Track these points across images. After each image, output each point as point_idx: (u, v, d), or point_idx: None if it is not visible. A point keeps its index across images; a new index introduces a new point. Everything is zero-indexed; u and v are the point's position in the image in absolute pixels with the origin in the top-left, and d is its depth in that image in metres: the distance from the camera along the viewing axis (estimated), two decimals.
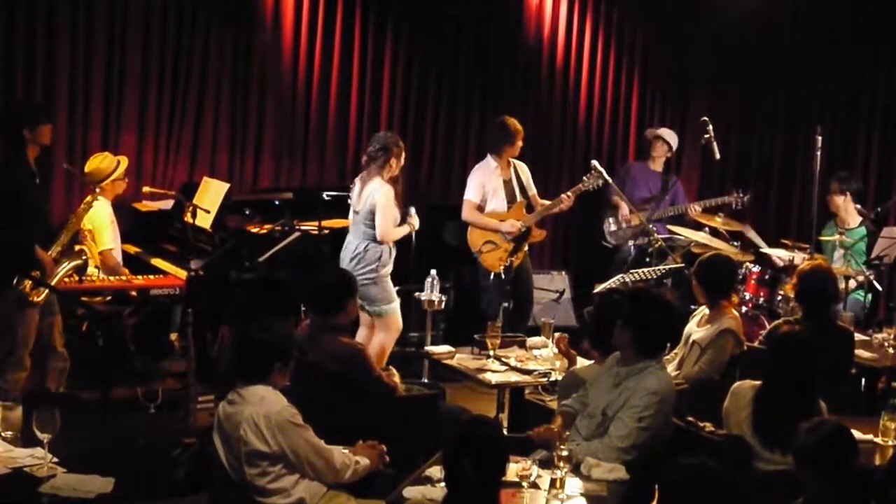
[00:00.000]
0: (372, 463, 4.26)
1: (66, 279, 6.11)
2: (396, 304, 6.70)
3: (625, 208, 8.19)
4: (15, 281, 5.78)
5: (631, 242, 8.12)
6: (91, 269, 6.38)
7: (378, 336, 6.63)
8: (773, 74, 9.73)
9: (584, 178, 7.41)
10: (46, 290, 5.85)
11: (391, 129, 8.46)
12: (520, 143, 7.48)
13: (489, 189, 7.46)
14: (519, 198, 7.51)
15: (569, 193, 7.44)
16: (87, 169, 6.66)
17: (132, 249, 7.24)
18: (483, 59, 9.01)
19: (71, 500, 3.74)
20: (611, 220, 8.43)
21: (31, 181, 5.96)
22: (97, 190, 6.42)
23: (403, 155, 6.74)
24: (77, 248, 6.29)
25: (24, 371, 5.98)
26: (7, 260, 5.80)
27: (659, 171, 8.63)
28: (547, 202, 7.55)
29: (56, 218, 6.61)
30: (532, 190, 7.61)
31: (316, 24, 8.39)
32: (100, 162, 6.67)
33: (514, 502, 3.70)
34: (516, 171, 7.56)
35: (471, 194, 7.50)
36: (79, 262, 6.16)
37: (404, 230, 6.77)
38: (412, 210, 6.85)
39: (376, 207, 6.55)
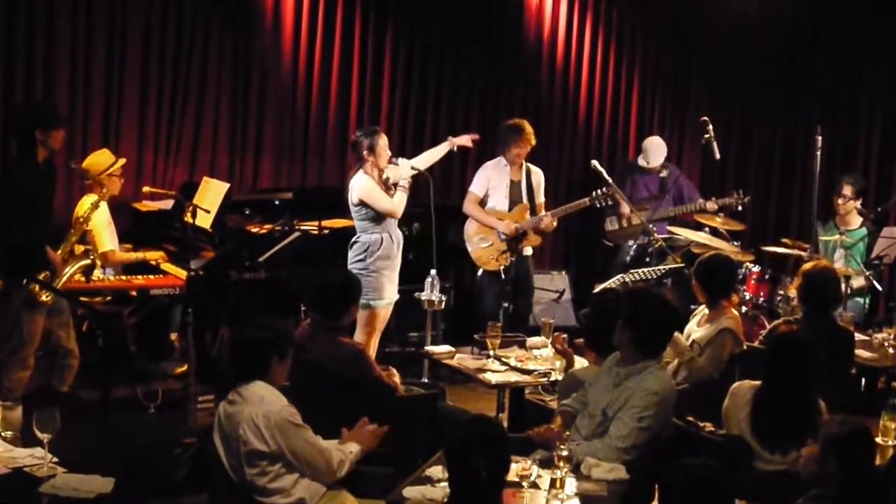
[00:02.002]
0: (363, 445, 4.26)
1: (78, 276, 6.12)
2: (386, 301, 6.56)
3: (625, 207, 8.19)
4: (24, 281, 5.79)
5: (631, 242, 8.12)
6: (97, 272, 6.41)
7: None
8: (773, 74, 9.73)
9: (594, 192, 7.31)
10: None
11: (391, 129, 8.47)
12: (526, 145, 7.38)
13: (493, 185, 7.48)
14: (524, 201, 7.48)
15: (550, 214, 7.37)
16: (84, 164, 6.66)
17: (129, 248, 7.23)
18: (483, 59, 9.01)
19: (71, 500, 3.73)
20: (610, 219, 8.42)
21: (42, 181, 5.97)
22: (87, 182, 6.47)
23: (381, 143, 6.51)
24: (83, 248, 6.30)
25: (28, 370, 5.99)
26: (19, 260, 5.81)
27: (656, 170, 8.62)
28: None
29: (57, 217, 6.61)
30: (540, 198, 7.54)
31: (316, 24, 8.38)
32: (98, 157, 6.68)
33: (514, 502, 3.70)
34: (528, 175, 7.52)
35: (474, 186, 7.58)
36: (86, 261, 6.17)
37: (402, 193, 6.60)
38: (392, 165, 6.64)
39: (362, 201, 6.49)
